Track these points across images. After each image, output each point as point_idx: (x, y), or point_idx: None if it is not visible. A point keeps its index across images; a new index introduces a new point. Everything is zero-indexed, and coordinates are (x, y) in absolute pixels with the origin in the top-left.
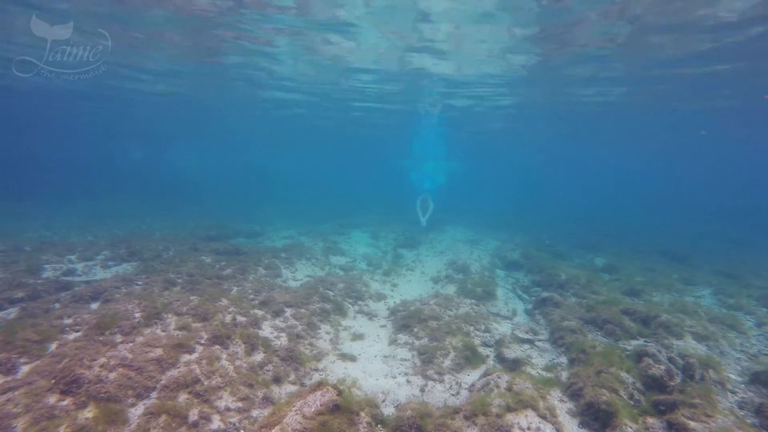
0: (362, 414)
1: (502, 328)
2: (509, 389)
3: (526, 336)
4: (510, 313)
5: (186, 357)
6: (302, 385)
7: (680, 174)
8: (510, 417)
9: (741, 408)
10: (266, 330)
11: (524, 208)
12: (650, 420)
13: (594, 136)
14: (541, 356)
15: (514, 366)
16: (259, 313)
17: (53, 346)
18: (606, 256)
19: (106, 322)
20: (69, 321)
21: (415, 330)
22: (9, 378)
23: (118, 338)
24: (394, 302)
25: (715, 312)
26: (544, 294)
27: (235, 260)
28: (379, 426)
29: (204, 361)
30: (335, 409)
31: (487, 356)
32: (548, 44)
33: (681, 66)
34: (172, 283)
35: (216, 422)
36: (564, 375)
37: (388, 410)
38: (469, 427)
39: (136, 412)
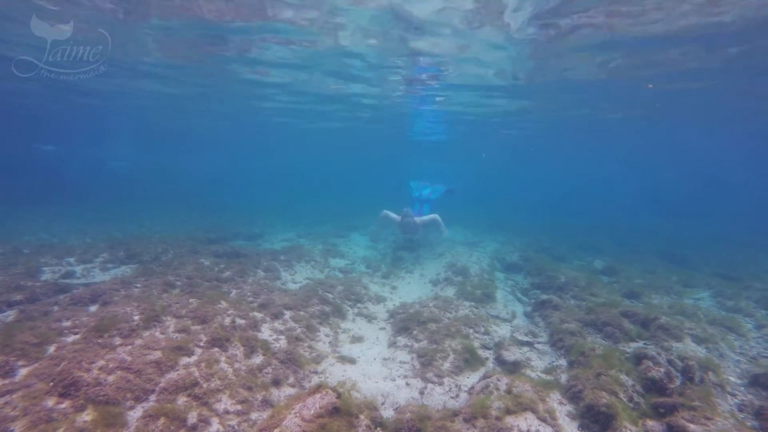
0: (362, 416)
1: (502, 331)
2: (509, 392)
3: (526, 338)
4: (509, 316)
5: (185, 360)
6: (301, 387)
7: (680, 174)
8: (509, 419)
9: (741, 410)
10: (265, 332)
11: (524, 210)
12: (650, 422)
13: (593, 136)
14: (540, 359)
15: (513, 368)
16: (258, 315)
17: (52, 349)
18: (605, 258)
19: (104, 324)
20: (67, 324)
21: (415, 332)
22: (7, 381)
23: (117, 341)
24: (394, 305)
25: (715, 314)
26: (544, 296)
27: (235, 263)
28: (378, 428)
29: (203, 364)
30: (334, 411)
31: (487, 359)
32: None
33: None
34: (171, 286)
35: (215, 425)
36: (563, 377)
37: (388, 413)
38: (468, 429)
39: (135, 414)
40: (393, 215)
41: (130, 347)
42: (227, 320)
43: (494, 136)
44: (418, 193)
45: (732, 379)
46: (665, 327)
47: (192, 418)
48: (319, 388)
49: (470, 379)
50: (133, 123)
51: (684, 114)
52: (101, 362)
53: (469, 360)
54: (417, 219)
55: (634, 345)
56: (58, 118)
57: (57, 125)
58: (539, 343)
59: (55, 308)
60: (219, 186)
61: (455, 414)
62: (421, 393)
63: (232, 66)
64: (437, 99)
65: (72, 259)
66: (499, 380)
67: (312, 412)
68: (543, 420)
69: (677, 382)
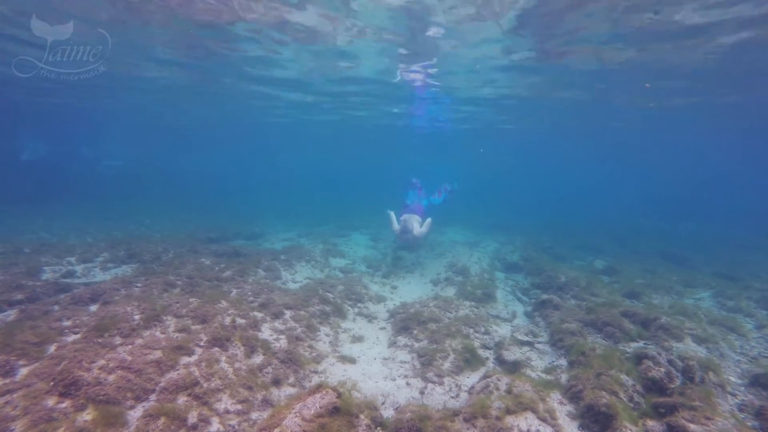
0: (362, 416)
1: (502, 331)
2: (509, 391)
3: (526, 338)
4: (509, 316)
5: (185, 359)
6: (302, 387)
7: (680, 175)
8: (510, 419)
9: (741, 410)
10: (266, 332)
11: (524, 210)
12: (650, 422)
13: (594, 136)
14: (540, 358)
15: (513, 368)
16: (259, 315)
17: (52, 348)
18: (606, 258)
19: (105, 324)
20: (68, 323)
21: (415, 332)
22: (8, 380)
23: (117, 340)
24: (394, 304)
25: (715, 314)
26: (544, 296)
27: (235, 262)
28: (378, 428)
29: (203, 364)
30: (335, 411)
31: (487, 358)
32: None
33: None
34: (171, 285)
35: (215, 425)
36: (564, 377)
37: (388, 412)
38: (468, 429)
39: (135, 414)
40: (395, 224)
41: (130, 347)
42: (227, 320)
43: (493, 134)
44: (412, 201)
45: (732, 379)
46: (666, 327)
47: (192, 417)
48: (319, 387)
49: (470, 378)
50: (131, 122)
51: (684, 114)
52: (102, 362)
53: (470, 360)
54: (416, 231)
55: (634, 345)
56: (55, 117)
57: (53, 124)
58: (539, 342)
59: (56, 308)
60: (219, 185)
61: (455, 414)
62: (422, 393)
63: (235, 63)
64: (436, 82)
65: (72, 259)
66: (499, 380)
67: (312, 411)
68: (543, 420)
69: (677, 382)
